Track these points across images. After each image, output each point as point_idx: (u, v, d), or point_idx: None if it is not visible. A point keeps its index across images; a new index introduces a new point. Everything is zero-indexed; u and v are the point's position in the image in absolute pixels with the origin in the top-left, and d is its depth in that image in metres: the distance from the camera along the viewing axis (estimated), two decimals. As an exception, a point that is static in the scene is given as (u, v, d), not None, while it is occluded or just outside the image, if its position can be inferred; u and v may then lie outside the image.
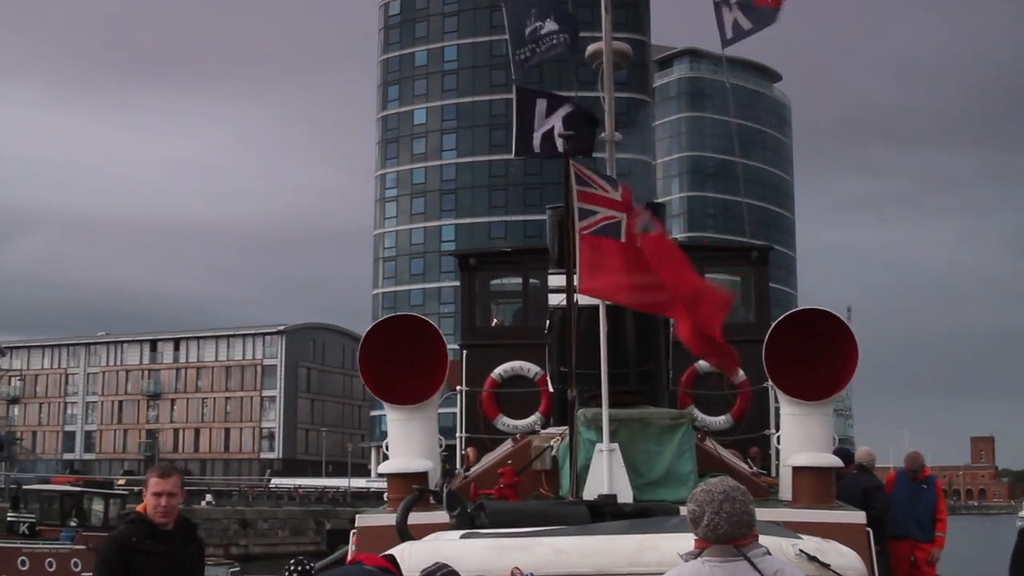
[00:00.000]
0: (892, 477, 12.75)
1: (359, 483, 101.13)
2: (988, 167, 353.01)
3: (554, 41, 11.90)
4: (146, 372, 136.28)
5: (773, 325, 10.14)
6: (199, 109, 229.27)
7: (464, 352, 14.12)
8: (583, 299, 10.02)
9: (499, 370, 13.67)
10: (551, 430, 11.39)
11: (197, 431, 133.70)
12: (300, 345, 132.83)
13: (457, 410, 13.87)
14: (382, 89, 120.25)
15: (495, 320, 15.59)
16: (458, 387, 13.64)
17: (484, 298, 15.30)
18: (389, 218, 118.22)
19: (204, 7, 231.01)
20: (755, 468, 11.63)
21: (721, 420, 13.00)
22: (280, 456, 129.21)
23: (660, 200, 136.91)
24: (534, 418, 13.22)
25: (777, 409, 11.04)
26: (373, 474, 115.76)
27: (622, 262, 9.62)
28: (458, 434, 13.65)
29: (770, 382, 10.31)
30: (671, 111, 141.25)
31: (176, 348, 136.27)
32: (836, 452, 10.32)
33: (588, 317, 10.17)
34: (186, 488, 7.53)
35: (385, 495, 11.03)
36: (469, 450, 13.52)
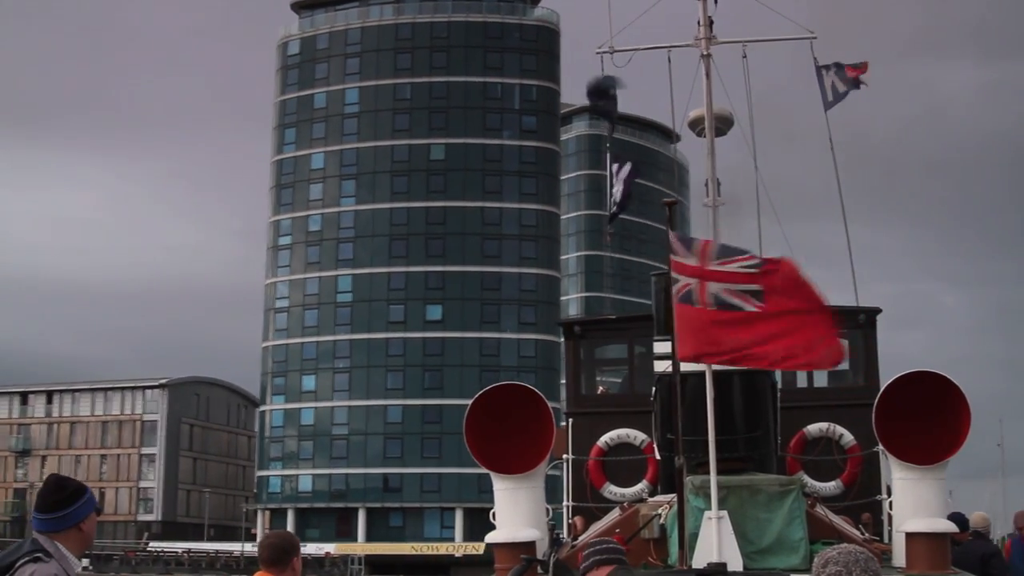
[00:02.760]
0: (1009, 544, 13.20)
1: (254, 548, 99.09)
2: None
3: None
4: (15, 427, 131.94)
5: (883, 388, 10.60)
6: (74, 164, 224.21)
7: (570, 420, 14.41)
8: (689, 365, 10.40)
9: (605, 438, 14.02)
10: (659, 498, 11.77)
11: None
12: (183, 400, 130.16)
13: (564, 479, 14.12)
14: (278, 132, 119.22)
15: (601, 388, 15.91)
16: (564, 455, 13.92)
17: (589, 366, 15.61)
18: (282, 267, 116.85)
19: (85, 58, 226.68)
20: (867, 534, 12.09)
21: (831, 485, 13.45)
22: (159, 518, 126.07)
23: (566, 256, 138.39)
24: (641, 486, 13.57)
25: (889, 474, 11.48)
26: (260, 538, 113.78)
27: (712, 328, 10.01)
28: (565, 503, 13.90)
29: (880, 446, 10.78)
30: (571, 168, 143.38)
31: (48, 401, 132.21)
32: (950, 517, 10.77)
33: (694, 383, 10.55)
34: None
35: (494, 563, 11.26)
36: (576, 519, 13.79)
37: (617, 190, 12.89)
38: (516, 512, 10.82)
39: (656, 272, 11.91)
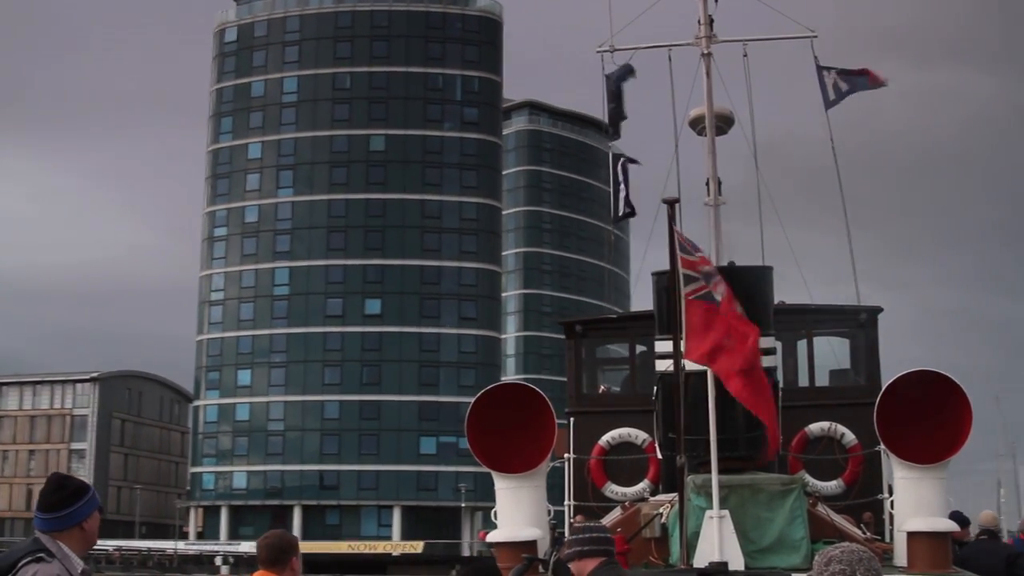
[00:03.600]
0: (1011, 543, 13.34)
1: (187, 546, 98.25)
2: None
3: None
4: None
5: (884, 388, 10.78)
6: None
7: (571, 419, 14.48)
8: (691, 365, 10.52)
9: (607, 437, 14.14)
10: (660, 497, 11.89)
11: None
12: (114, 394, 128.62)
13: (565, 478, 14.19)
14: (214, 120, 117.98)
15: (602, 387, 15.98)
16: (565, 455, 13.99)
17: (591, 365, 15.69)
18: (217, 259, 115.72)
19: (7, 46, 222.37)
20: (869, 534, 12.27)
21: (832, 485, 13.63)
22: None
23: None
24: (643, 485, 13.69)
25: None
26: (192, 536, 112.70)
27: (721, 328, 10.15)
28: (566, 502, 13.97)
29: (882, 445, 10.96)
30: (510, 164, 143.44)
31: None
32: (950, 515, 10.96)
33: (696, 383, 10.67)
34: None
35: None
36: (577, 517, 13.86)
37: (623, 195, 12.98)
38: (517, 511, 10.91)
39: (657, 271, 12.02)
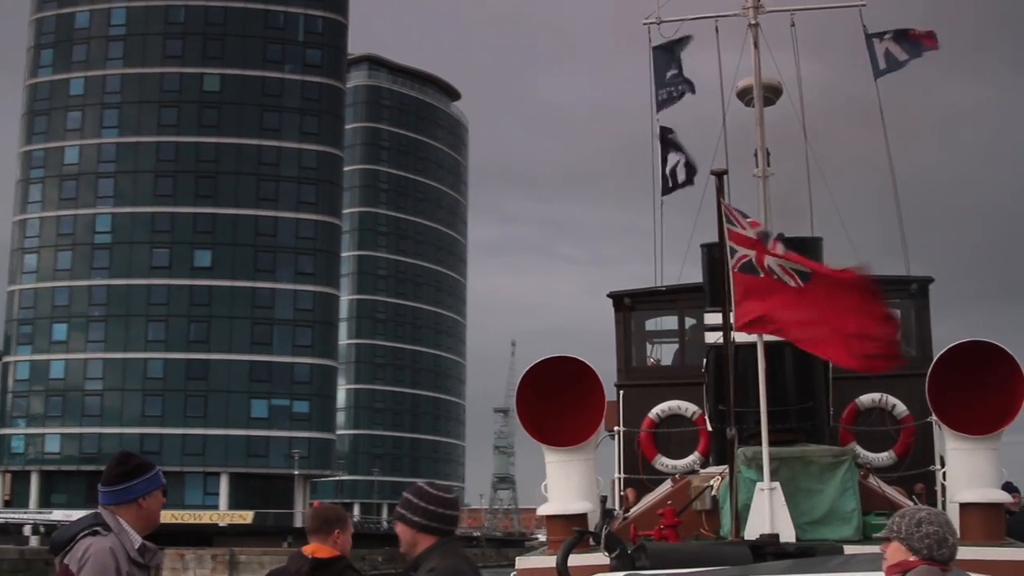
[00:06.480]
0: None
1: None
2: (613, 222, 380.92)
3: (679, 90, 13.17)
4: None
5: (936, 358, 11.26)
6: None
7: (621, 392, 14.68)
8: (740, 336, 10.83)
9: (656, 410, 14.47)
10: (710, 469, 12.21)
11: None
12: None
13: (615, 451, 14.40)
14: (33, 53, 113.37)
15: (651, 359, 16.17)
16: (616, 428, 14.19)
17: (640, 337, 15.87)
18: (33, 203, 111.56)
19: None
20: (921, 505, 12.74)
21: (884, 456, 14.12)
22: None
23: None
24: (693, 458, 14.00)
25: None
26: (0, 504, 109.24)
27: (769, 297, 10.46)
28: (616, 475, 14.18)
29: (934, 417, 11.46)
30: (347, 120, 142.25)
31: None
32: (1001, 486, 11.52)
33: (746, 355, 11.01)
34: None
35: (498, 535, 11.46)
36: (628, 491, 14.09)
37: (682, 160, 13.23)
38: (568, 485, 11.15)
39: (706, 243, 12.25)
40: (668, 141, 13.91)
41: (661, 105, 13.63)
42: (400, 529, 5.54)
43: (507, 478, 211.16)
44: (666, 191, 13.90)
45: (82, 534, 5.82)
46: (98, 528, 5.83)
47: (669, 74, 13.50)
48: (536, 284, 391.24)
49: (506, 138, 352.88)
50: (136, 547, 5.87)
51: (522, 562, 10.96)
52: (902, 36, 12.67)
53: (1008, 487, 12.16)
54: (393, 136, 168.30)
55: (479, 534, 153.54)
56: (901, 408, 14.16)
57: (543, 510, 11.25)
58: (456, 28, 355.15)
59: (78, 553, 5.75)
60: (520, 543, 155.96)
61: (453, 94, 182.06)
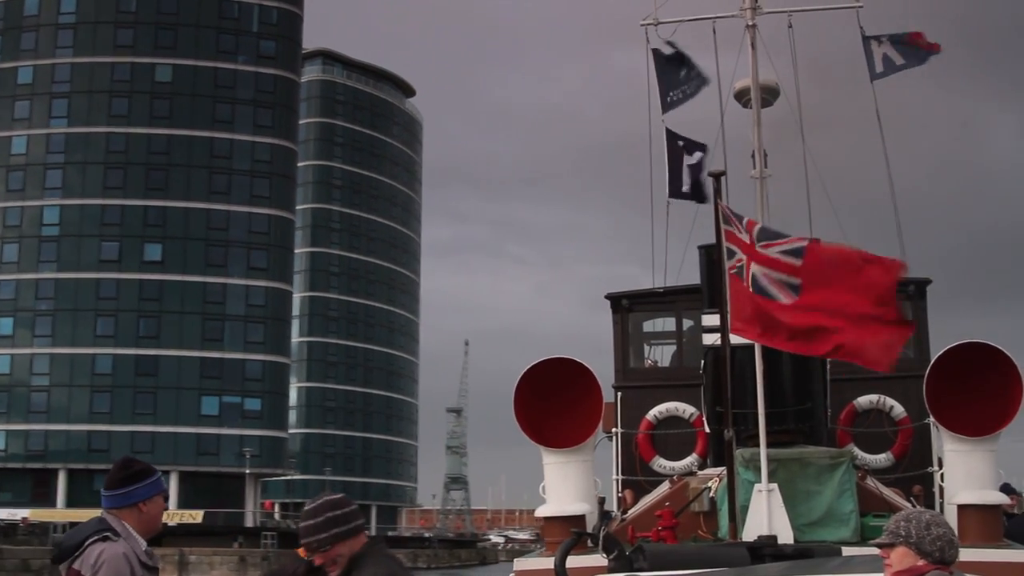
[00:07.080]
0: None
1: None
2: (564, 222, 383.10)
3: (693, 87, 13.14)
4: None
5: (934, 360, 11.34)
6: None
7: (618, 394, 14.68)
8: (738, 338, 10.84)
9: (654, 411, 14.53)
10: (708, 471, 12.26)
11: None
12: None
13: (613, 452, 14.41)
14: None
15: (649, 361, 16.17)
16: (613, 429, 14.19)
17: (637, 339, 15.87)
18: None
19: None
20: (918, 507, 12.83)
21: (882, 458, 14.21)
22: None
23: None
24: (691, 459, 14.04)
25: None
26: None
27: (753, 304, 10.41)
28: (614, 476, 14.20)
29: (932, 418, 11.55)
30: (301, 115, 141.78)
31: None
32: (999, 488, 11.61)
33: (744, 356, 11.07)
34: None
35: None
36: (626, 492, 14.09)
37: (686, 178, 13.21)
38: (565, 486, 11.15)
39: (703, 244, 12.28)
40: (677, 146, 13.80)
41: (669, 106, 13.61)
42: (340, 548, 5.14)
43: (459, 479, 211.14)
44: (676, 195, 13.73)
45: (91, 540, 5.86)
46: (107, 533, 5.89)
47: (681, 73, 13.48)
48: (487, 284, 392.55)
49: (459, 136, 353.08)
50: (144, 550, 5.98)
51: (521, 563, 10.98)
52: (901, 40, 12.75)
53: (1006, 489, 12.28)
54: (347, 132, 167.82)
55: (431, 535, 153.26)
56: (899, 410, 14.30)
57: (541, 511, 11.27)
58: (411, 24, 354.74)
59: (91, 559, 5.79)
60: (472, 544, 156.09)
61: (408, 91, 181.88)
